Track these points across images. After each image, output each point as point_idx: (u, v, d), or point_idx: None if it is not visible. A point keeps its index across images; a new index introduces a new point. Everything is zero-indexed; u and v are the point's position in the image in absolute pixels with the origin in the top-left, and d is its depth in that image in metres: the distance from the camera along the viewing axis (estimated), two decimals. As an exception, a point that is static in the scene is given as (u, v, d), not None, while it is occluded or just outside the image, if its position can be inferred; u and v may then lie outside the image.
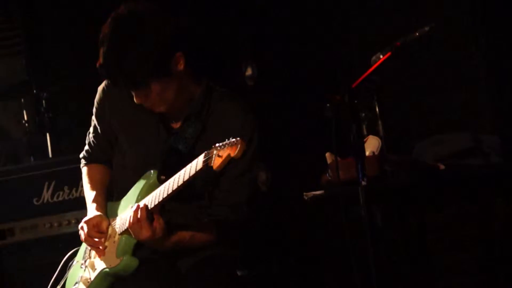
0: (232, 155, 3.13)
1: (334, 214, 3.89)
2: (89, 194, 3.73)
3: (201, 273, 3.55)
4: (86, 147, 3.84)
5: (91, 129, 3.80)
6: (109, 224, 3.60)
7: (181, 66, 3.46)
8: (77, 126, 4.13)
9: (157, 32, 3.38)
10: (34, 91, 5.83)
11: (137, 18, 3.39)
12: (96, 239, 3.57)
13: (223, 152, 3.16)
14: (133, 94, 3.50)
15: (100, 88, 3.74)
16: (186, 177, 3.28)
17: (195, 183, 3.42)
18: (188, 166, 3.29)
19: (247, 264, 3.77)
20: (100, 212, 3.63)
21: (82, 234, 3.59)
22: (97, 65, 3.42)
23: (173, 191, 3.33)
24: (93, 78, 3.75)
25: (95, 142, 3.79)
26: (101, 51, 3.40)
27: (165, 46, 3.40)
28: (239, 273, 3.68)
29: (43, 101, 5.75)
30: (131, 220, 3.41)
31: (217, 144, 3.21)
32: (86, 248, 3.67)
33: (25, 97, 5.94)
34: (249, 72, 5.59)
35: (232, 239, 3.65)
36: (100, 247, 3.57)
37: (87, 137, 3.83)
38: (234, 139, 3.16)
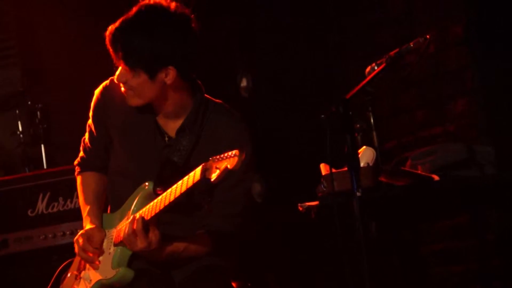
0: (230, 167, 3.12)
1: (328, 225, 3.90)
2: (84, 205, 3.71)
3: (195, 284, 3.55)
4: (81, 154, 3.80)
5: (87, 135, 3.77)
6: (105, 236, 3.59)
7: (169, 80, 3.48)
8: (72, 137, 4.11)
9: (167, 36, 3.43)
10: (29, 102, 5.82)
11: (165, 15, 3.46)
12: (90, 254, 3.56)
13: (220, 164, 3.15)
14: (119, 68, 3.52)
15: (97, 91, 3.72)
16: (183, 189, 3.27)
17: (191, 195, 3.42)
18: (186, 178, 3.28)
19: (242, 275, 3.77)
20: (96, 223, 3.62)
21: (76, 247, 3.59)
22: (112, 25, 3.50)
23: (169, 202, 3.32)
24: (88, 90, 3.75)
25: (90, 147, 3.76)
26: (124, 17, 3.49)
27: (163, 52, 3.43)
28: (234, 283, 3.68)
29: (38, 112, 5.75)
30: (126, 231, 3.40)
31: (214, 156, 3.21)
32: (81, 259, 3.66)
33: (20, 108, 5.94)
34: (244, 83, 5.60)
35: (227, 249, 3.65)
36: (94, 262, 3.56)
37: (81, 144, 3.80)
38: (231, 152, 3.16)
